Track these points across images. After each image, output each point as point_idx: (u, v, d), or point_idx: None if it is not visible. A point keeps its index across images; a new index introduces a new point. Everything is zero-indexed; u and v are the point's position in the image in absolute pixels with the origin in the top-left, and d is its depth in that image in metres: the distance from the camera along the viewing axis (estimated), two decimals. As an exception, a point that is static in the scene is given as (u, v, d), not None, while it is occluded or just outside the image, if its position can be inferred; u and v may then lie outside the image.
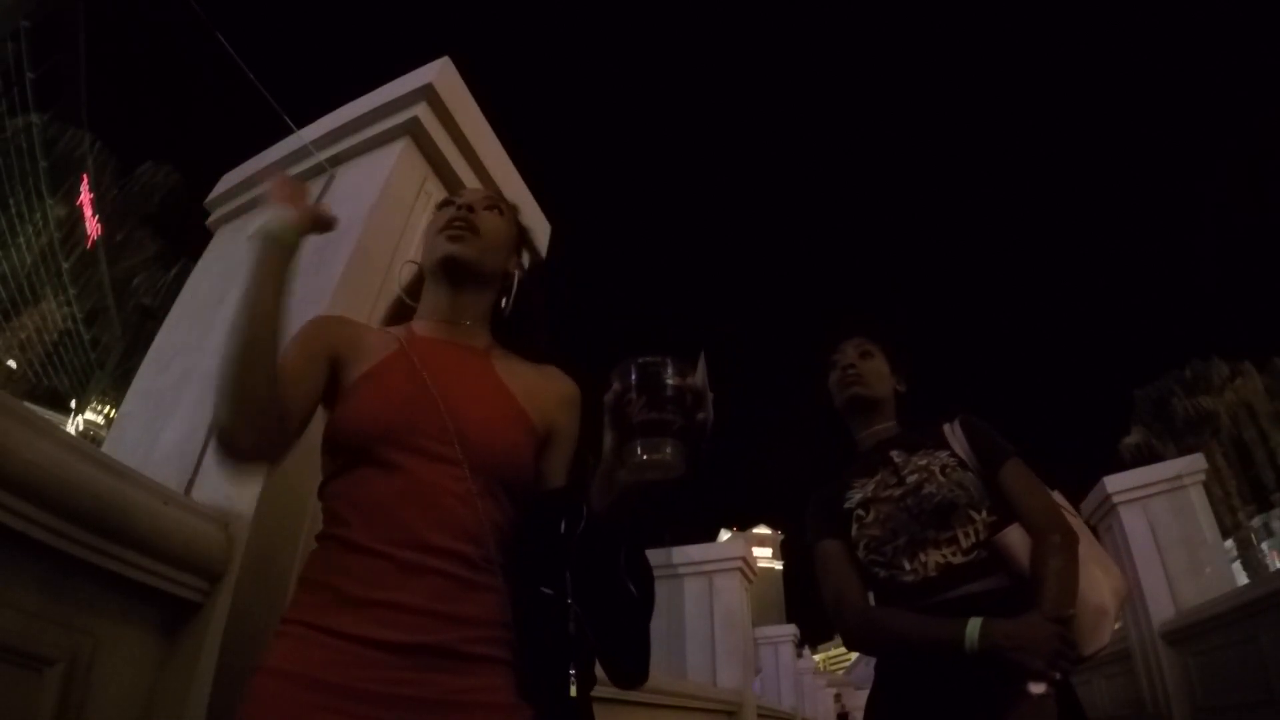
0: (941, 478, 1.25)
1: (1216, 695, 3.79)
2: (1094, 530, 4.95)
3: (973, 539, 1.21)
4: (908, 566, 1.23)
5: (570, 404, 0.98)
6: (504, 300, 1.02)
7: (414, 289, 1.06)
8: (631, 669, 0.85)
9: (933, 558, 1.21)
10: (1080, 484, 5.19)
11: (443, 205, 1.04)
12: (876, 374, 1.43)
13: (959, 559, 1.20)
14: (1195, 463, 4.72)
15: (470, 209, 0.99)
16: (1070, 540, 1.17)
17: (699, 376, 0.74)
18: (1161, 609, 4.30)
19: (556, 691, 0.80)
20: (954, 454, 1.30)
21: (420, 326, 0.99)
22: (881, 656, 1.32)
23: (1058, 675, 1.02)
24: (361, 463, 0.83)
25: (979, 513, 1.22)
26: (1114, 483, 4.76)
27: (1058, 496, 1.29)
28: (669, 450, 0.71)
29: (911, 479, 1.28)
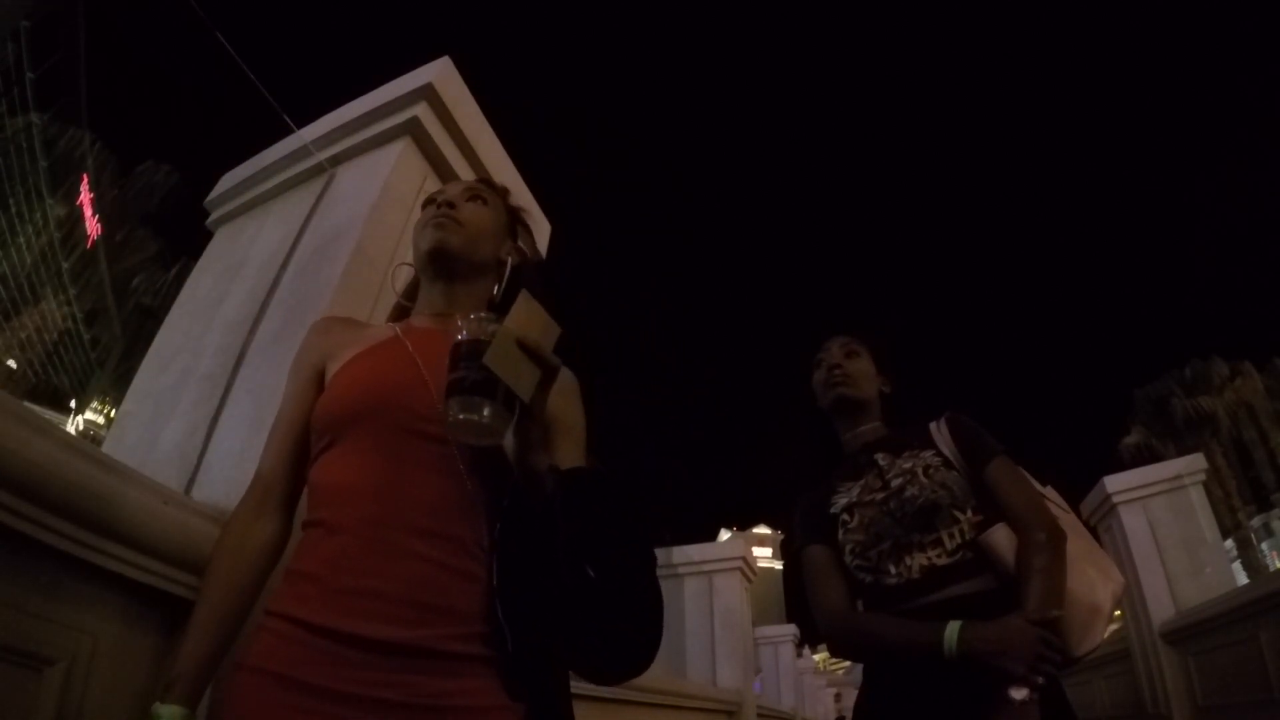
0: (924, 479, 1.24)
1: (1216, 695, 3.79)
2: (1094, 530, 4.95)
3: (958, 540, 1.19)
4: (893, 570, 1.21)
5: (568, 392, 0.95)
6: (495, 288, 1.01)
7: (411, 293, 1.06)
8: (593, 660, 0.76)
9: (917, 560, 1.20)
10: (1080, 484, 5.20)
11: (426, 204, 1.03)
12: (862, 374, 1.42)
13: (943, 560, 1.18)
14: (1195, 463, 4.72)
15: (451, 204, 0.98)
16: (1057, 538, 1.14)
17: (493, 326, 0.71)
18: (1161, 609, 4.30)
19: (538, 688, 0.76)
20: (939, 453, 1.28)
21: (417, 319, 0.99)
22: (865, 662, 1.30)
23: (1040, 680, 0.99)
24: (342, 442, 0.82)
25: (963, 512, 1.20)
26: (1114, 483, 4.77)
27: (1051, 494, 1.27)
28: (483, 411, 0.69)
29: (895, 482, 1.26)
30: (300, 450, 0.88)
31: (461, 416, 0.69)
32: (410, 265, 1.07)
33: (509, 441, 0.76)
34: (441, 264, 0.96)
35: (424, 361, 0.86)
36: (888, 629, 1.17)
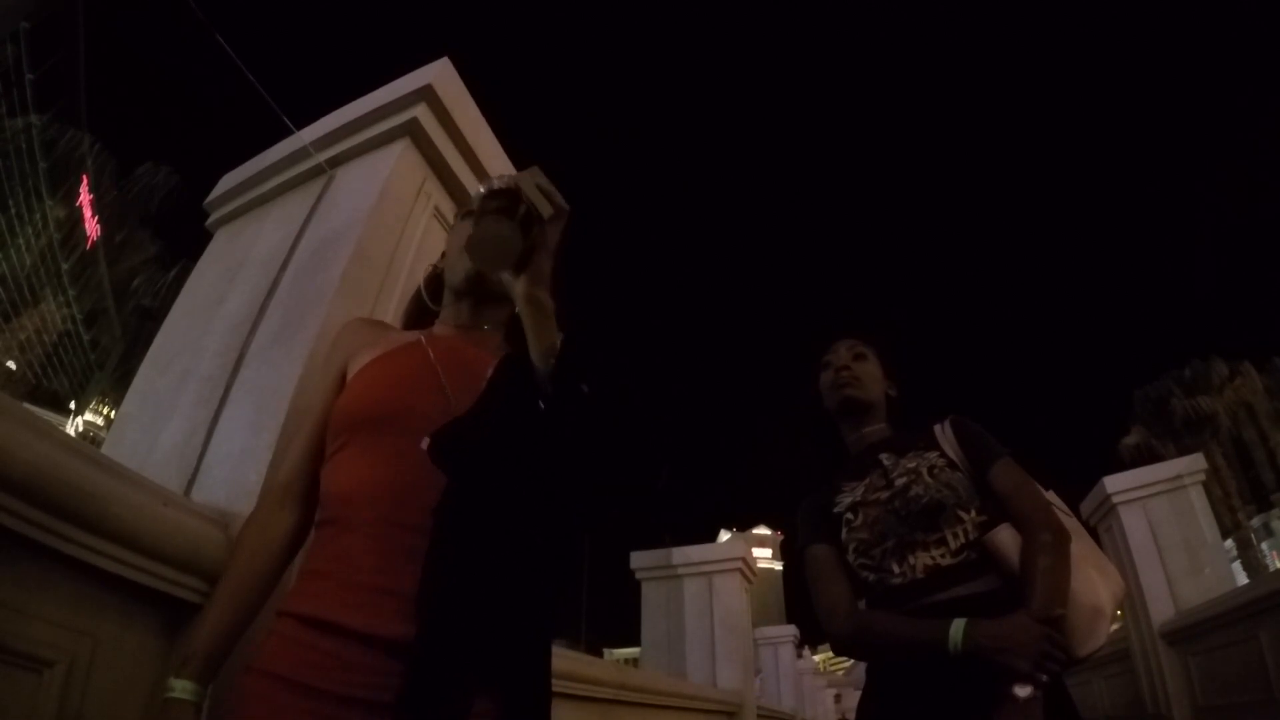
0: (929, 479, 1.24)
1: (1216, 695, 3.79)
2: (1094, 530, 4.95)
3: (962, 540, 1.19)
4: (896, 569, 1.21)
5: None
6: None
7: (433, 289, 1.07)
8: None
9: (921, 560, 1.20)
10: (1080, 484, 5.20)
11: (464, 217, 1.03)
12: (870, 376, 1.42)
13: (947, 560, 1.18)
14: (1195, 463, 4.72)
15: None
16: (1062, 539, 1.14)
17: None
18: (1161, 609, 4.29)
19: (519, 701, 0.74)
20: (943, 454, 1.28)
21: (440, 328, 1.00)
22: (869, 660, 1.30)
23: (1044, 677, 0.99)
24: (357, 444, 0.82)
25: (968, 513, 1.20)
26: (1114, 483, 4.76)
27: (1052, 497, 1.28)
28: (503, 226, 0.76)
29: (900, 482, 1.26)
30: (321, 448, 0.89)
31: (482, 230, 0.77)
32: (435, 266, 1.09)
33: (519, 280, 0.78)
34: (479, 286, 0.97)
35: (444, 369, 0.87)
36: (893, 626, 1.17)
